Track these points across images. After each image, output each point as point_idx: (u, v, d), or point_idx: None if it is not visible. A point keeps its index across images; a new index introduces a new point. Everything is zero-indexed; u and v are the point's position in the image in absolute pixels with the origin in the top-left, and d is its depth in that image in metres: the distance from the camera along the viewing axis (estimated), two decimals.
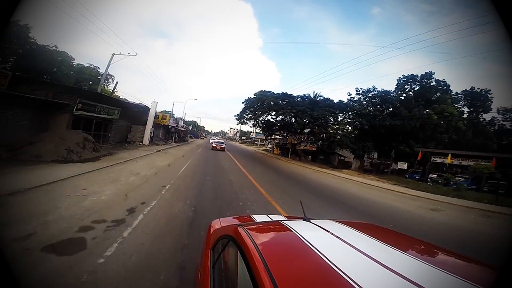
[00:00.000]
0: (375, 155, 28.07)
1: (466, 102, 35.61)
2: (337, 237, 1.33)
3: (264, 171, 15.60)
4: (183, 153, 19.92)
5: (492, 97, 34.00)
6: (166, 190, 7.34)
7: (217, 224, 2.40)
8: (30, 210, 4.46)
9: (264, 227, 1.91)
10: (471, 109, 35.58)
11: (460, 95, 35.12)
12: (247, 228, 1.49)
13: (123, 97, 25.65)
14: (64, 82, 21.32)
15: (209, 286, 1.54)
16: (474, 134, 30.87)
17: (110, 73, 32.29)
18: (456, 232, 6.97)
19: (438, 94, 31.70)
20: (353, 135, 25.32)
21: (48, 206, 4.80)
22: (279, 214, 5.84)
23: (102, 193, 6.21)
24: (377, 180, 18.18)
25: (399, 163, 22.83)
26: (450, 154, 17.85)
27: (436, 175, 19.56)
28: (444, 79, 33.30)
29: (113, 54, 21.33)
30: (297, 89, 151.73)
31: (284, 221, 1.79)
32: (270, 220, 2.38)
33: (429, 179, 19.32)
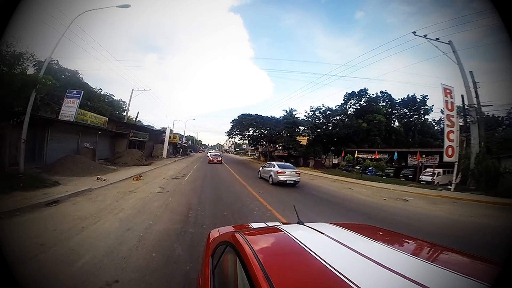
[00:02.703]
0: (331, 155, 38.25)
1: (407, 107, 45.82)
2: (332, 238, 1.35)
3: (241, 168, 25.67)
4: (191, 161, 30.19)
5: (427, 101, 43.59)
6: (193, 170, 17.46)
7: (215, 233, 2.44)
8: (154, 175, 14.52)
9: (261, 232, 1.98)
10: (411, 113, 45.83)
11: (400, 101, 45.35)
12: (244, 234, 1.52)
13: (145, 122, 35.62)
14: (105, 113, 30.23)
15: None
16: (421, 134, 40.63)
17: (122, 99, 39.16)
18: (341, 195, 17.01)
19: (382, 104, 42.39)
20: (307, 143, 35.77)
21: (160, 174, 14.86)
22: (250, 190, 15.96)
23: (170, 171, 16.30)
24: (317, 171, 28.29)
25: (332, 159, 33.01)
26: (356, 151, 27.99)
27: (359, 167, 29.68)
28: (385, 90, 44.23)
29: (132, 90, 30.24)
30: (288, 100, 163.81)
31: (279, 226, 1.88)
32: (267, 226, 2.44)
33: (354, 170, 29.39)
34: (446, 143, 13.36)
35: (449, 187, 14.27)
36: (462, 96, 15.34)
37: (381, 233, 1.73)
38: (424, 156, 24.22)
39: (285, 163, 16.21)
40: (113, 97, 37.21)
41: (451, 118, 13.55)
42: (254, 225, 2.58)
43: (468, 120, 14.67)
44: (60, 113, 13.72)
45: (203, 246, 3.04)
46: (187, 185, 11.84)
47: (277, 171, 13.29)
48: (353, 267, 1.01)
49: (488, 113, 26.29)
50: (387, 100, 45.00)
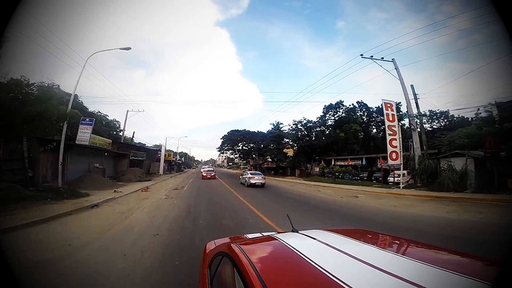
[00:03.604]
0: (314, 164, 41.54)
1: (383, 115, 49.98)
2: (326, 244, 1.36)
3: (230, 179, 28.53)
4: (186, 176, 32.92)
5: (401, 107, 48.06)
6: (189, 183, 20.29)
7: (212, 245, 2.49)
8: (157, 188, 17.31)
9: (256, 242, 2.00)
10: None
11: (376, 109, 49.42)
12: (240, 244, 1.54)
13: (137, 139, 38.29)
14: (104, 134, 32.68)
15: None
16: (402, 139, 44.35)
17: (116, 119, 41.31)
18: (323, 199, 20.07)
19: (360, 113, 46.40)
20: (293, 154, 39.17)
21: (162, 187, 17.65)
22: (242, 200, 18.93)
23: (170, 184, 19.10)
24: (301, 180, 31.37)
25: (314, 168, 36.37)
26: (333, 159, 31.39)
27: (337, 173, 32.91)
28: (361, 100, 48.38)
29: (127, 111, 32.60)
30: (276, 113, 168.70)
31: (274, 235, 1.89)
32: (262, 236, 2.45)
33: (330, 176, 32.57)
34: (389, 149, 16.76)
35: (404, 185, 17.52)
36: (414, 106, 18.92)
37: (375, 236, 1.75)
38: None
39: (256, 172, 23.41)
40: (107, 117, 38.10)
41: (392, 128, 17.05)
42: (250, 236, 2.58)
43: (412, 128, 18.10)
44: (77, 138, 16.46)
45: (199, 232, 6.01)
46: (185, 193, 14.76)
47: (249, 177, 19.30)
48: (349, 271, 1.02)
49: (459, 114, 29.72)
50: (363, 110, 49.13)
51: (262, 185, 18.81)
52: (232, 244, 1.56)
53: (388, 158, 16.97)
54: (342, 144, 38.51)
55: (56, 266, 3.85)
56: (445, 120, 42.43)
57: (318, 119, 41.77)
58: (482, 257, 1.21)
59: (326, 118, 44.18)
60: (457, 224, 7.32)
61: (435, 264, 1.03)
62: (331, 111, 44.68)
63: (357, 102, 49.57)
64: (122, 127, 36.47)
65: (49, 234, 5.70)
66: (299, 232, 1.79)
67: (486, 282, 0.87)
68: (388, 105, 17.57)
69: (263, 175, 20.08)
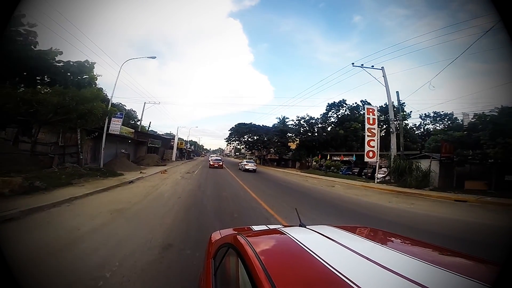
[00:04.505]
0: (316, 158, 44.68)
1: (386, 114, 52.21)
2: (334, 241, 1.37)
3: (233, 167, 32.06)
4: (196, 163, 36.77)
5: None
6: (199, 169, 23.97)
7: (217, 235, 2.50)
8: (173, 171, 21.01)
9: (262, 235, 1.99)
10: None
11: (379, 108, 51.59)
12: (246, 236, 1.55)
13: (151, 129, 42.32)
14: (124, 123, 37.42)
15: None
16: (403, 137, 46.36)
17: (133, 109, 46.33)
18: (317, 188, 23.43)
19: (362, 112, 48.80)
20: (295, 148, 42.38)
21: (176, 170, 21.35)
22: (246, 189, 22.51)
23: (183, 169, 22.80)
24: (298, 171, 34.62)
25: (312, 161, 39.53)
26: (329, 155, 34.35)
27: (327, 167, 35.88)
28: (365, 99, 50.56)
29: (144, 103, 36.84)
30: (285, 107, 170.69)
31: (281, 229, 1.90)
32: (268, 228, 2.47)
33: (329, 170, 35.66)
34: (367, 148, 19.75)
35: (379, 180, 20.58)
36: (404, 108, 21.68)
37: (382, 235, 1.76)
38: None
39: (249, 160, 31.91)
40: (125, 107, 42.09)
41: (372, 130, 19.97)
42: (255, 228, 2.57)
43: (391, 131, 20.93)
44: (110, 128, 20.17)
45: (206, 198, 9.85)
46: (196, 176, 18.40)
47: (244, 164, 27.16)
48: (356, 269, 1.02)
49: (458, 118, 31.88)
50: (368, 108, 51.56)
51: (254, 171, 25.26)
52: (238, 236, 1.57)
53: (365, 156, 20.00)
54: (341, 140, 41.29)
55: (129, 211, 7.24)
56: (449, 122, 44.23)
57: (321, 116, 44.55)
58: (482, 259, 1.23)
59: (328, 116, 46.89)
60: (387, 210, 9.46)
61: (439, 265, 1.06)
62: (334, 109, 47.33)
63: (361, 101, 51.95)
64: (138, 116, 40.92)
65: (114, 198, 9.18)
66: (307, 227, 1.81)
67: (486, 284, 0.89)
68: (370, 110, 20.49)
69: (255, 163, 26.44)
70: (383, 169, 29.30)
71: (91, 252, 3.89)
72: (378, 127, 20.68)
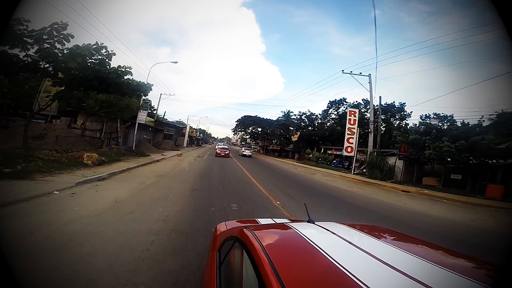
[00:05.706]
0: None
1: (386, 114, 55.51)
2: (342, 238, 1.38)
3: (236, 154, 36.52)
4: (205, 150, 41.60)
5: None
6: (207, 155, 28.67)
7: (222, 227, 2.51)
8: (187, 155, 25.70)
9: (270, 229, 1.99)
10: (391, 119, 55.40)
11: (379, 107, 54.80)
12: (253, 230, 1.55)
13: (162, 116, 47.15)
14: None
15: (215, 286, 1.63)
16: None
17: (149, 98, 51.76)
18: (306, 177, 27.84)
19: (363, 110, 52.42)
20: (296, 140, 46.65)
21: (189, 155, 26.02)
22: (251, 180, 27.07)
23: (194, 154, 27.47)
24: (294, 161, 38.87)
25: (309, 153, 43.75)
26: (323, 148, 38.35)
27: (316, 159, 39.78)
28: (367, 98, 53.74)
29: (161, 94, 41.34)
30: (293, 100, 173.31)
31: (288, 223, 1.90)
32: (275, 222, 2.46)
33: (321, 162, 39.71)
34: (346, 144, 23.85)
35: (356, 172, 24.72)
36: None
37: (389, 234, 1.75)
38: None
39: (247, 148, 41.07)
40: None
41: (352, 129, 23.97)
42: (262, 221, 2.58)
43: (369, 131, 24.85)
44: (138, 118, 24.79)
45: (213, 173, 14.56)
46: (206, 159, 23.22)
47: (242, 150, 35.84)
48: (362, 267, 1.04)
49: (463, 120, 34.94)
50: (368, 107, 54.79)
51: (249, 156, 33.33)
52: (245, 229, 1.58)
53: (344, 151, 24.12)
54: (338, 136, 45.12)
55: (167, 176, 11.73)
56: (449, 124, 47.44)
57: (322, 112, 48.36)
58: (482, 260, 1.25)
59: (329, 112, 50.63)
60: (338, 190, 12.96)
61: (442, 265, 1.08)
62: (334, 106, 50.98)
63: (363, 100, 55.30)
64: (152, 105, 45.93)
65: (153, 169, 13.63)
66: (315, 223, 1.81)
67: (485, 285, 0.91)
68: (352, 112, 24.47)
69: (251, 150, 33.53)
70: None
71: (157, 190, 8.35)
72: (358, 127, 24.71)
